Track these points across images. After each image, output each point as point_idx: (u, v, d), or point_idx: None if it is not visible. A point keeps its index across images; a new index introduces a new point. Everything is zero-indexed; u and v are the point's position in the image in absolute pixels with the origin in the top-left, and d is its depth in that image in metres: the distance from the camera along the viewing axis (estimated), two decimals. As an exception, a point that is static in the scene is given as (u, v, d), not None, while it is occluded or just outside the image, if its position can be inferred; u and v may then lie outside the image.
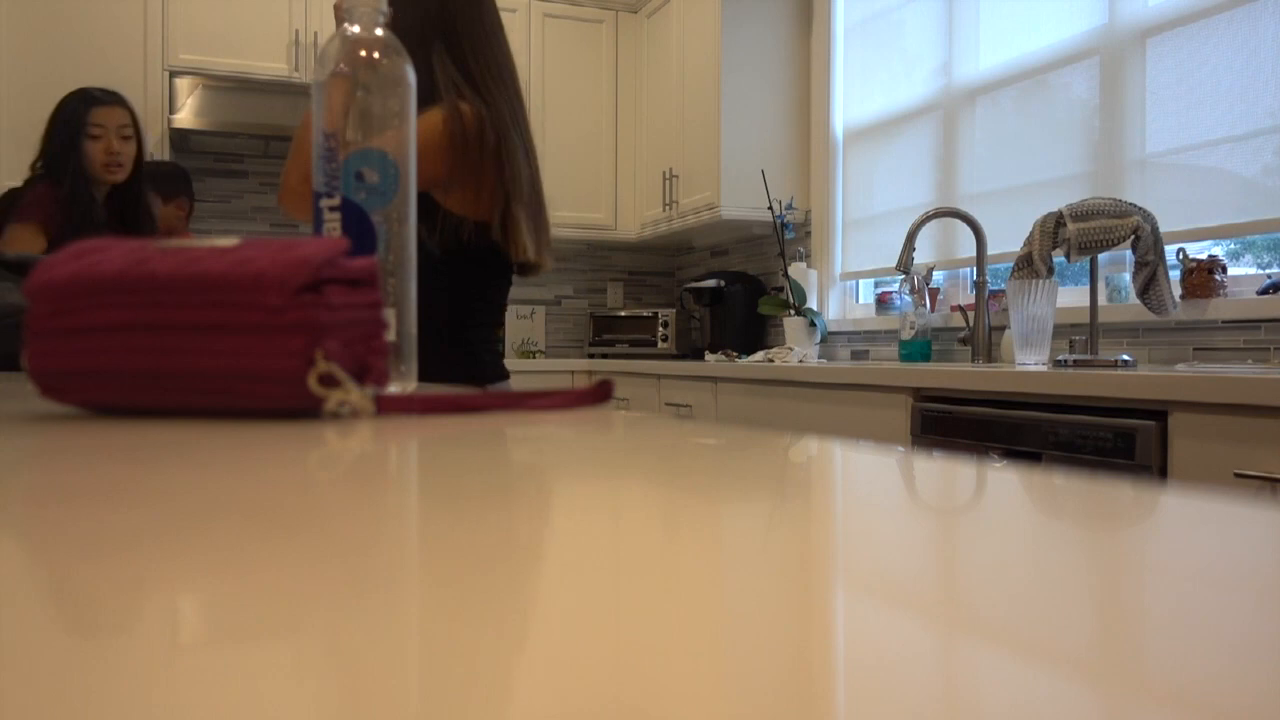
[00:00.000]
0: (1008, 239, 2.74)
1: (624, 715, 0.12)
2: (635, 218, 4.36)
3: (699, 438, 0.47)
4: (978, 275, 2.74)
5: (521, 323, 4.47)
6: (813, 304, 3.46)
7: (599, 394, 0.66)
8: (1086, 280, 2.27)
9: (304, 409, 0.53)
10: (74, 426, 0.50)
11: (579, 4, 4.29)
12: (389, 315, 0.71)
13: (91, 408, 0.57)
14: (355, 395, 0.54)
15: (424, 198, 1.41)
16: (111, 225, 2.47)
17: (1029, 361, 2.18)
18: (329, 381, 0.53)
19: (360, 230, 0.74)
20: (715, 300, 3.89)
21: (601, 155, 4.32)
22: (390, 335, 0.70)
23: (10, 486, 0.31)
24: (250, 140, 3.85)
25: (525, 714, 0.12)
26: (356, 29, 0.76)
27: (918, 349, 2.93)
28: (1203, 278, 2.17)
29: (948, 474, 0.34)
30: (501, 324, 1.81)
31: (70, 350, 0.55)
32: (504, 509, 0.27)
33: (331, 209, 0.74)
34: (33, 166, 2.52)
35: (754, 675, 0.13)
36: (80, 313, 0.55)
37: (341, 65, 0.75)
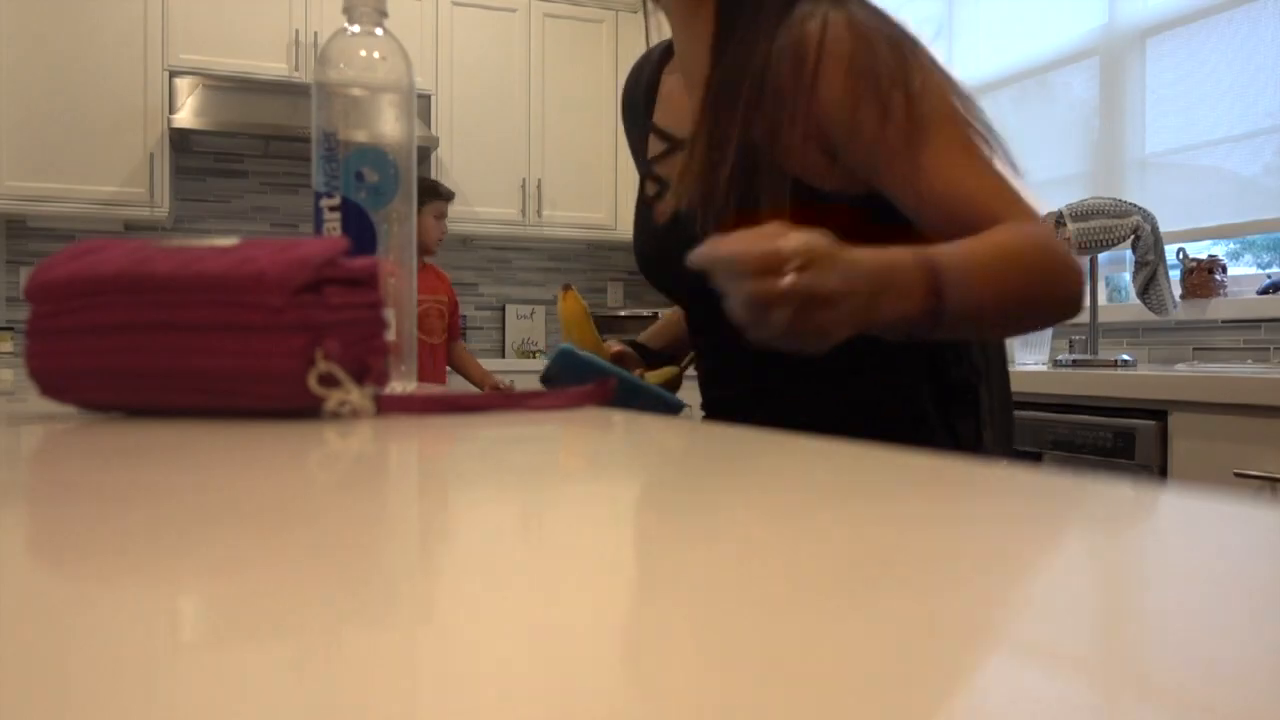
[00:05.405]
0: (1008, 239, 2.73)
1: (624, 715, 0.12)
2: (635, 217, 4.35)
3: (698, 438, 0.47)
4: (978, 275, 2.73)
5: (521, 323, 4.47)
6: (813, 303, 3.44)
7: (599, 394, 0.66)
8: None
9: (304, 409, 0.53)
10: (74, 426, 0.50)
11: (579, 4, 4.28)
12: (389, 315, 0.71)
13: (91, 408, 0.57)
14: (355, 395, 0.54)
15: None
16: None
17: (1029, 361, 2.18)
18: (329, 381, 0.53)
19: (360, 230, 0.74)
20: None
21: (601, 155, 4.31)
22: (390, 335, 0.70)
23: (10, 486, 0.31)
24: (250, 140, 3.85)
25: (525, 714, 0.12)
26: (357, 28, 0.76)
27: (918, 349, 2.92)
28: (1203, 277, 2.17)
29: (948, 474, 0.34)
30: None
31: (70, 350, 0.55)
32: (503, 509, 0.27)
33: (331, 209, 0.74)
34: None
35: (751, 674, 0.13)
36: (80, 312, 0.55)
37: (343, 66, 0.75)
